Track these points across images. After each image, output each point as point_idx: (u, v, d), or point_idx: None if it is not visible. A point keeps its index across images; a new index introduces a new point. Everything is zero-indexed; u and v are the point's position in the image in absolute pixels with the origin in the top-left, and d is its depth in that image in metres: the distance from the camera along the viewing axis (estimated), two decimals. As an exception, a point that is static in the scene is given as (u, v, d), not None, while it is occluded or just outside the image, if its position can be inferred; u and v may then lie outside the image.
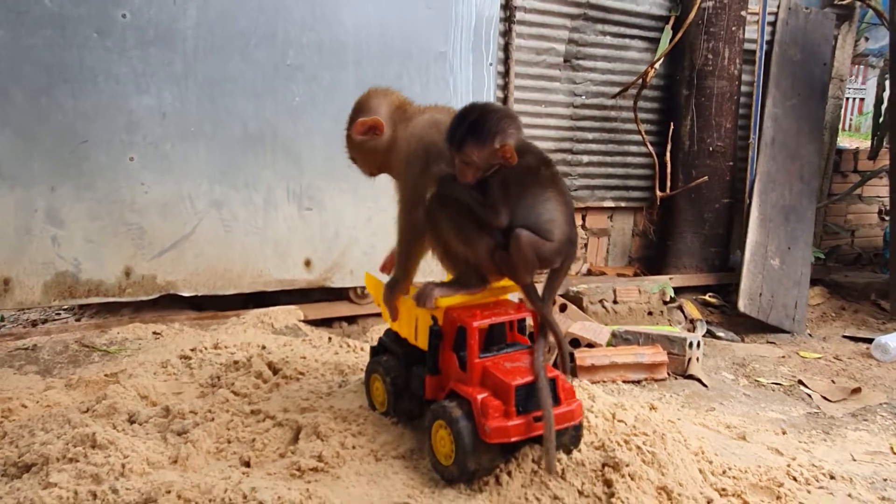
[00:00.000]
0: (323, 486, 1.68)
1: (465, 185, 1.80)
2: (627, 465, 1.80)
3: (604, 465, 1.81)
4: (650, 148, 4.93)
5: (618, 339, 3.59)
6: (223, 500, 1.56)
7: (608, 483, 1.77)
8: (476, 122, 1.75)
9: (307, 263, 3.65)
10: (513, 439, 1.70)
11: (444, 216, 1.84)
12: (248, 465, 1.86)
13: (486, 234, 1.81)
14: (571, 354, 3.40)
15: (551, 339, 1.88)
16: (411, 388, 1.96)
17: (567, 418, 1.80)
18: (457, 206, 1.83)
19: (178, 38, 3.22)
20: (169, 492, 1.62)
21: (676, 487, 1.87)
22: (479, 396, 1.72)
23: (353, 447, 1.85)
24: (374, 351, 2.12)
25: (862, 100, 11.47)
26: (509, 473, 1.75)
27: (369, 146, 2.02)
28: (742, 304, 4.44)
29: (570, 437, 1.87)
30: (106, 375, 2.61)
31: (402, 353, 2.01)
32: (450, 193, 1.86)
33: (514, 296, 2.02)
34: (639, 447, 1.93)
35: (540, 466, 1.78)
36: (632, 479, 1.79)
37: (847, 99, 10.52)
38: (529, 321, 1.95)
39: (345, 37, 3.55)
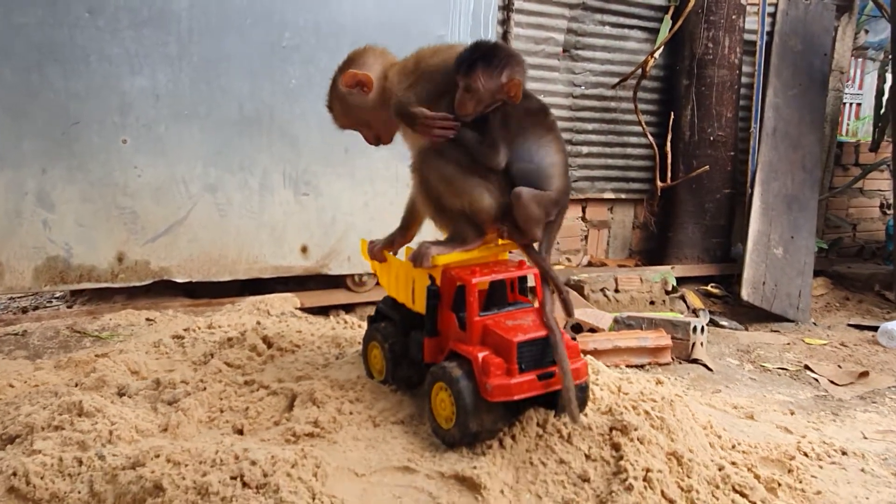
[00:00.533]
0: (319, 449, 1.61)
1: (461, 121, 1.75)
2: (636, 429, 1.73)
3: (611, 429, 1.74)
4: (650, 138, 4.89)
5: (620, 325, 3.53)
6: (214, 461, 1.50)
7: (616, 447, 1.70)
8: (488, 52, 1.72)
9: (304, 250, 3.58)
10: (515, 397, 1.64)
11: (433, 168, 1.78)
12: (241, 432, 1.79)
13: (480, 181, 1.75)
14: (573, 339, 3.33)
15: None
16: (410, 354, 1.89)
17: (573, 376, 1.74)
18: (446, 157, 1.76)
19: (172, 18, 3.17)
20: (158, 455, 1.55)
21: (687, 453, 1.80)
22: (480, 354, 1.65)
23: (351, 413, 1.79)
24: (372, 319, 2.05)
25: (859, 104, 11.40)
26: (513, 437, 1.69)
27: (351, 100, 1.96)
28: (745, 293, 4.38)
29: (577, 398, 1.80)
30: (97, 355, 2.54)
31: (399, 319, 1.94)
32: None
33: (513, 255, 1.96)
34: (647, 412, 1.86)
35: (545, 430, 1.71)
36: (640, 442, 1.72)
37: (844, 103, 10.47)
38: (531, 279, 1.89)
39: (342, 19, 3.50)
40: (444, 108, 1.79)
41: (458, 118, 1.75)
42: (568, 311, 1.88)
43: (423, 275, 1.84)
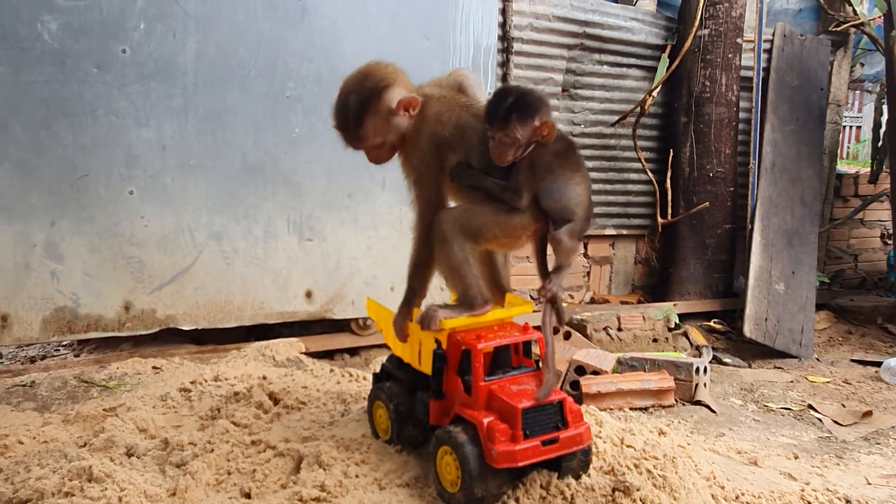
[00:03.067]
0: (326, 515, 1.63)
1: (490, 168, 1.84)
2: (638, 490, 1.75)
3: (614, 490, 1.76)
4: (650, 175, 4.93)
5: (623, 366, 3.54)
6: (223, 532, 1.52)
7: (618, 508, 1.72)
8: (519, 101, 1.78)
9: (308, 295, 3.62)
10: (520, 464, 1.66)
11: (458, 224, 1.83)
12: (248, 496, 1.81)
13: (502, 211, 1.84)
14: (577, 382, 3.35)
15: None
16: (415, 414, 1.91)
17: (575, 442, 1.76)
18: (471, 211, 1.85)
19: (177, 71, 3.23)
20: (168, 525, 1.58)
21: (689, 512, 1.82)
22: (485, 420, 1.68)
23: (356, 476, 1.81)
24: (377, 377, 2.08)
25: (859, 127, 11.50)
26: (517, 500, 1.71)
27: (395, 122, 1.91)
28: (748, 330, 4.39)
29: (579, 462, 1.83)
30: (104, 410, 2.56)
31: (405, 379, 1.97)
32: (465, 182, 1.88)
33: (519, 318, 1.99)
34: (649, 471, 1.88)
35: (549, 492, 1.73)
36: (643, 503, 1.75)
37: (844, 127, 10.56)
38: (536, 347, 1.92)
39: (344, 68, 3.48)
40: (478, 157, 1.86)
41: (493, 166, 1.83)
42: (559, 320, 1.94)
43: (429, 336, 1.88)
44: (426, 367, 1.89)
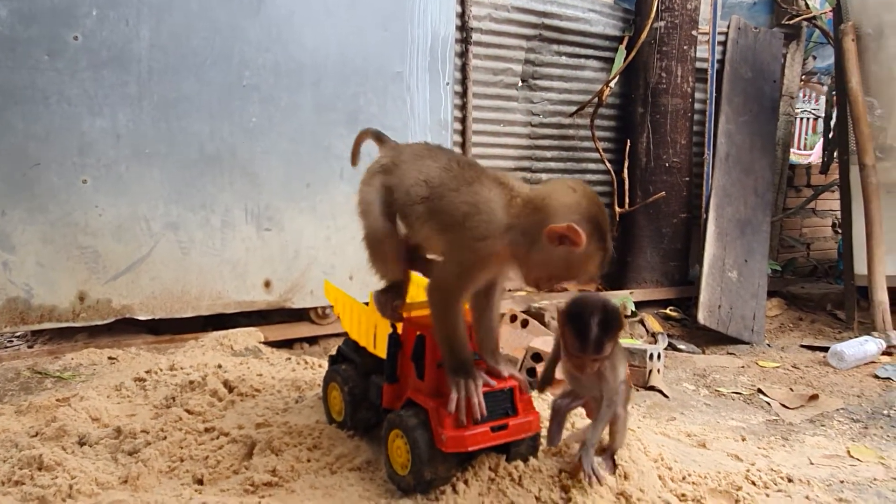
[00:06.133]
0: (277, 500, 1.65)
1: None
2: (583, 471, 1.80)
3: (560, 471, 1.81)
4: (608, 165, 5.00)
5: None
6: (173, 517, 1.53)
7: (565, 489, 1.77)
8: (604, 320, 1.74)
9: (267, 284, 3.62)
10: (469, 449, 1.70)
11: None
12: (200, 482, 1.82)
13: None
14: (533, 369, 3.40)
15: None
16: (369, 397, 1.94)
17: (524, 429, 1.80)
18: None
19: (131, 59, 3.20)
20: (118, 511, 1.58)
21: (636, 493, 1.87)
22: (436, 405, 1.71)
23: (308, 460, 1.83)
24: (333, 360, 2.10)
25: (816, 119, 11.75)
26: (466, 482, 1.74)
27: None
28: (701, 317, 4.49)
29: (528, 447, 1.87)
30: (57, 400, 2.54)
31: (360, 362, 2.00)
32: None
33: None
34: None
35: (497, 474, 1.77)
36: (589, 484, 1.79)
37: (802, 119, 10.77)
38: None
39: (302, 57, 3.56)
40: None
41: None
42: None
43: (385, 321, 1.90)
44: (381, 352, 1.92)
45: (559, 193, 1.69)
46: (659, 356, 3.59)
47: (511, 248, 1.67)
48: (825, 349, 4.16)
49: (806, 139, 11.73)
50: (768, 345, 4.55)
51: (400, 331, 1.87)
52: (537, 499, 1.73)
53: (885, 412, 3.27)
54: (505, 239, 1.67)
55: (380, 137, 2.10)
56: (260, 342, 3.47)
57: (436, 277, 1.78)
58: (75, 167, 3.16)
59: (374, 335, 1.97)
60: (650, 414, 3.19)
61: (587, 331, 1.73)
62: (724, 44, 5.14)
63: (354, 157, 2.16)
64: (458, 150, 4.56)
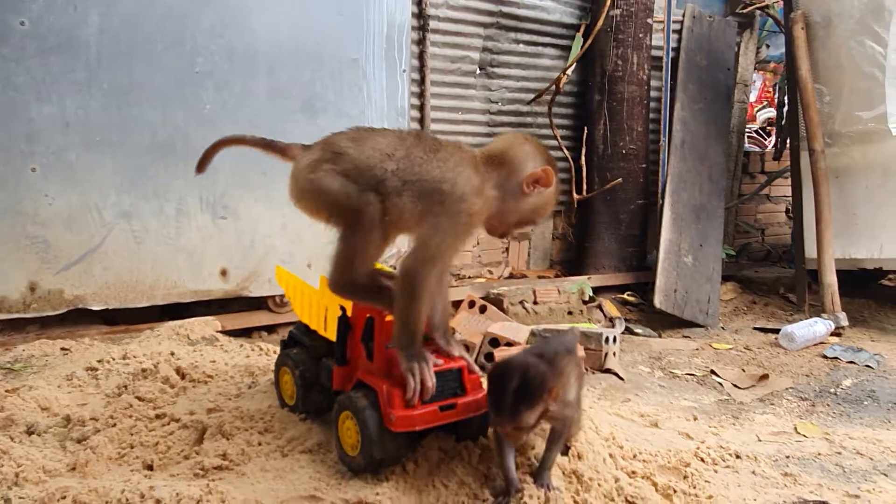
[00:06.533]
0: (227, 483, 1.65)
1: None
2: (533, 448, 1.83)
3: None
4: (566, 152, 5.05)
5: (537, 338, 3.63)
6: (119, 501, 1.52)
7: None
8: (524, 388, 1.62)
9: (223, 273, 3.59)
10: (418, 428, 1.71)
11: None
12: (150, 468, 1.82)
13: None
14: (491, 354, 3.43)
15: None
16: (320, 380, 1.95)
17: (472, 408, 1.82)
18: None
19: (80, 45, 3.15)
20: (64, 497, 1.57)
21: (587, 471, 1.90)
22: (385, 386, 1.72)
23: (259, 444, 1.83)
24: (285, 344, 2.10)
25: (776, 113, 11.95)
26: (416, 462, 1.76)
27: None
28: (657, 301, 4.56)
29: (477, 426, 1.89)
30: (6, 391, 2.50)
31: (312, 346, 2.00)
32: None
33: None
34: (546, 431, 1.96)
35: (447, 454, 1.79)
36: (537, 460, 1.82)
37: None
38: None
39: (256, 44, 3.53)
40: None
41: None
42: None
43: (335, 303, 1.91)
44: (332, 334, 1.93)
45: (516, 146, 1.88)
46: (615, 339, 3.64)
47: (486, 204, 1.80)
48: (777, 331, 4.26)
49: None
50: (722, 328, 4.65)
51: (350, 313, 1.87)
52: (486, 477, 1.76)
53: (832, 390, 3.36)
54: (481, 196, 1.78)
55: (271, 145, 2.00)
56: (217, 331, 3.45)
57: (419, 254, 1.76)
58: (23, 155, 3.10)
59: (324, 318, 1.98)
60: (605, 396, 3.24)
61: (502, 398, 1.62)
62: (679, 32, 5.21)
63: (204, 163, 2.07)
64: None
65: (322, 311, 1.99)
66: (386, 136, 1.86)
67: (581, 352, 3.48)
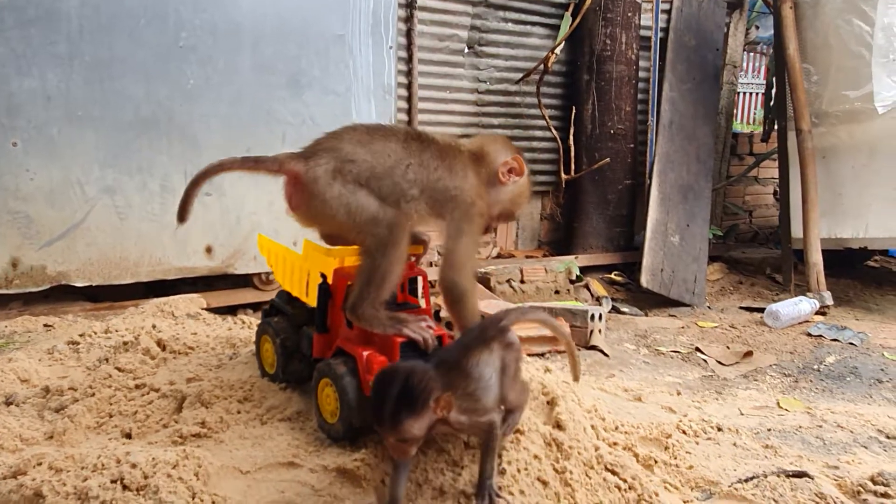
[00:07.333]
0: (204, 449, 1.64)
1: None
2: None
3: (489, 418, 1.83)
4: (554, 132, 5.04)
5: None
6: (95, 466, 1.51)
7: (494, 434, 1.79)
8: (405, 394, 1.44)
9: (208, 250, 3.57)
10: (396, 394, 1.70)
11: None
12: (129, 436, 1.81)
13: None
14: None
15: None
16: (301, 349, 1.94)
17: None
18: None
19: (61, 17, 3.11)
20: (40, 463, 1.56)
21: (567, 440, 1.90)
22: (364, 353, 1.71)
23: (238, 412, 1.83)
24: (266, 313, 2.09)
25: (765, 94, 11.91)
26: (396, 429, 1.75)
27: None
28: (644, 280, 4.57)
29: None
30: (-13, 365, 2.49)
31: (293, 314, 1.99)
32: None
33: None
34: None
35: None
36: (520, 431, 1.82)
37: (749, 94, 10.94)
38: (420, 281, 1.97)
39: (240, 18, 3.50)
40: None
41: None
42: None
43: (316, 270, 1.90)
44: (314, 302, 1.92)
45: (487, 143, 1.95)
46: (600, 317, 3.65)
47: (484, 201, 1.86)
48: (762, 310, 4.28)
49: (754, 114, 11.93)
50: (709, 307, 4.66)
51: (331, 280, 1.86)
52: (466, 445, 1.75)
53: (815, 367, 3.38)
54: (482, 196, 1.85)
55: (260, 164, 1.85)
56: (202, 308, 3.43)
57: (453, 263, 1.77)
58: (4, 129, 3.07)
59: (306, 284, 1.97)
60: (590, 371, 3.25)
61: (383, 406, 1.44)
62: (668, 12, 5.19)
63: (185, 209, 1.82)
64: (403, 116, 4.54)
65: (304, 278, 1.98)
66: (389, 139, 1.80)
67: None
